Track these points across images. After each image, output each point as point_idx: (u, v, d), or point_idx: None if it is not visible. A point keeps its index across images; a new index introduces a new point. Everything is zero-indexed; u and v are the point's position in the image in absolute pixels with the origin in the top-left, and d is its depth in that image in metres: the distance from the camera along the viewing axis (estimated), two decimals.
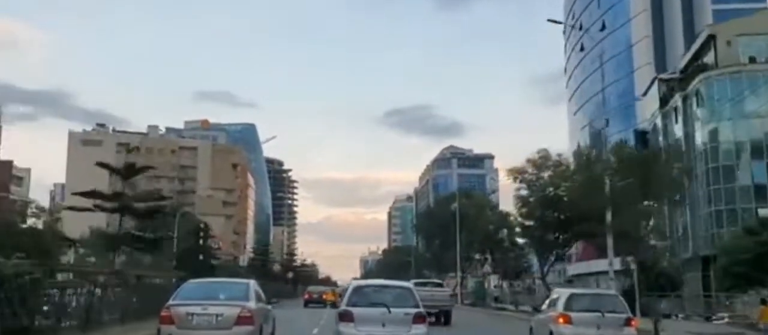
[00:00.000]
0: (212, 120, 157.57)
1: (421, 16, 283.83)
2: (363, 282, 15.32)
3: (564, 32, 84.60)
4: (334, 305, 36.95)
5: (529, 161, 40.33)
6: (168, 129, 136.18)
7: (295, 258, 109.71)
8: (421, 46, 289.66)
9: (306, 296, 50.75)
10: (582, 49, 76.16)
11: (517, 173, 40.22)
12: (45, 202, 77.95)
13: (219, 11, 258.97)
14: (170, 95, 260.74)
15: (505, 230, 53.17)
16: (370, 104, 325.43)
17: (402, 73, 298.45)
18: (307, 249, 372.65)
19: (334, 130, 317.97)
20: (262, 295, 14.63)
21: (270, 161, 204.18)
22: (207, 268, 49.84)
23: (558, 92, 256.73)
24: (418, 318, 12.43)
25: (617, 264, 32.05)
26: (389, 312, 12.28)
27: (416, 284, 33.33)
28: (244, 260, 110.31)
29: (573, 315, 15.21)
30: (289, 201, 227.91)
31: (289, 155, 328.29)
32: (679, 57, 56.49)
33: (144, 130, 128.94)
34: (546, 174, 38.81)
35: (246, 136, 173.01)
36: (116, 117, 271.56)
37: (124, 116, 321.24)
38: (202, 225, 70.58)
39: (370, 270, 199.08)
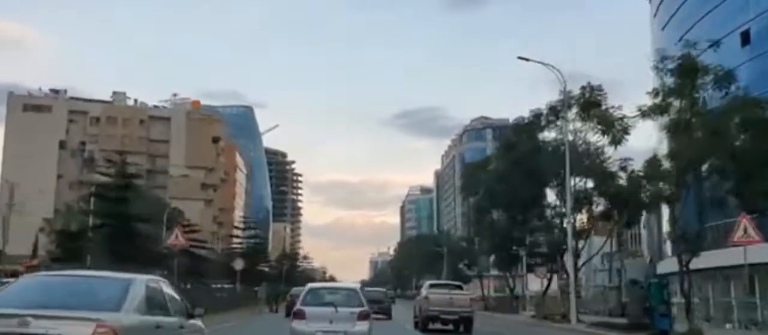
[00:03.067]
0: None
1: (429, 17, 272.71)
2: (317, 285, 16.70)
3: None
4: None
5: None
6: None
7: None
8: (429, 47, 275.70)
9: (288, 301, 38.06)
10: None
11: None
12: None
13: (225, 13, 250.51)
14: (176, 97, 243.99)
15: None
16: (379, 106, 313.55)
17: (410, 75, 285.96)
18: (316, 252, 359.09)
19: (342, 132, 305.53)
20: (173, 301, 8.36)
21: (273, 153, 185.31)
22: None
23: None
24: (362, 316, 13.66)
25: None
26: (336, 311, 13.55)
27: (432, 286, 27.19)
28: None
29: None
30: (293, 196, 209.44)
31: (296, 158, 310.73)
32: None
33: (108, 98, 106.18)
34: None
35: (243, 121, 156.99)
36: None
37: None
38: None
39: (380, 271, 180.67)
